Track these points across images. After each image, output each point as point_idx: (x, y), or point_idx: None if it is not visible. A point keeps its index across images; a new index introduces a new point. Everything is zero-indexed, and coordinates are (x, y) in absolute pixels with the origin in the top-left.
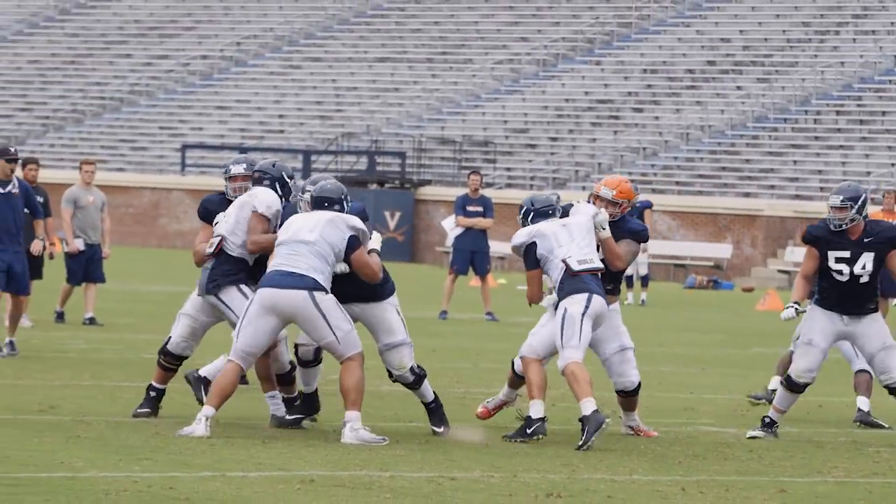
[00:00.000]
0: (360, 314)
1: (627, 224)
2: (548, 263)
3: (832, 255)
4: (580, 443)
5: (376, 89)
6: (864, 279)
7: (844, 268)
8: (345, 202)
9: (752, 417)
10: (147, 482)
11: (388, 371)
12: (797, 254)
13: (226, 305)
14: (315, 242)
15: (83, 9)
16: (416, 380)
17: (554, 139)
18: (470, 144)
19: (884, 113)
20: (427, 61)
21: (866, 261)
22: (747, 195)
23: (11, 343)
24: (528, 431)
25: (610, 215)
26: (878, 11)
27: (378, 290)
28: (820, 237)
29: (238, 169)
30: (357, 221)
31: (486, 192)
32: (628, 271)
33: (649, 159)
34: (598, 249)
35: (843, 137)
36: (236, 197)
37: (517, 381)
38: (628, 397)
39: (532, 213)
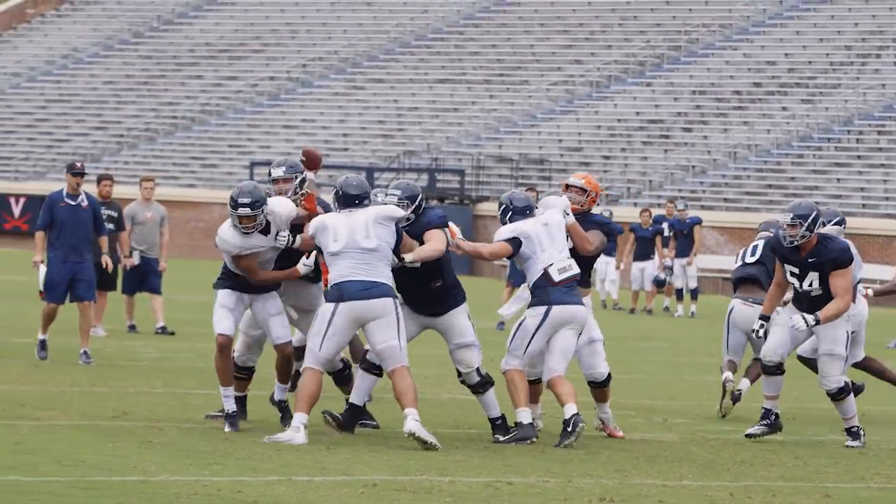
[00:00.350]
0: (435, 322)
1: (594, 217)
2: (528, 262)
3: (786, 268)
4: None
5: (436, 109)
6: (815, 294)
7: (796, 282)
8: (370, 193)
9: (798, 424)
10: (216, 486)
11: (458, 371)
12: None
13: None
14: (378, 248)
15: (156, 32)
16: (480, 381)
17: (607, 157)
18: (526, 162)
19: None
20: (485, 82)
21: (813, 279)
22: None
23: (85, 353)
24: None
25: (579, 203)
26: None
27: (452, 300)
28: (776, 249)
29: (279, 172)
30: (394, 210)
31: None
32: (677, 284)
33: (698, 177)
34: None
35: (885, 156)
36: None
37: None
38: (599, 388)
39: (511, 212)
